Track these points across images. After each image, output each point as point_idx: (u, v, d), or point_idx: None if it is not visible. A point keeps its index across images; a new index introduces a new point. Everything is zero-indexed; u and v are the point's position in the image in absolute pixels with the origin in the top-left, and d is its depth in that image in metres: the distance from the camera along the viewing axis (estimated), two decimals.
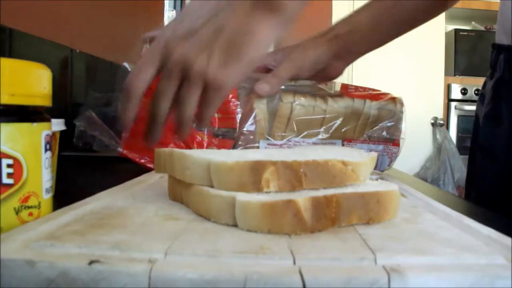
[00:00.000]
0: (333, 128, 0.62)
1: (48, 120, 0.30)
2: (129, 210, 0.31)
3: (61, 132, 0.45)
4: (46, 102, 0.29)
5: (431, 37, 2.45)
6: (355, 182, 0.31)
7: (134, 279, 0.19)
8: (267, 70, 0.60)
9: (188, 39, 0.36)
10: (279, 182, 0.28)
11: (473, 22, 2.82)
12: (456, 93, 2.58)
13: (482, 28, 2.79)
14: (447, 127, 2.57)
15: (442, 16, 2.40)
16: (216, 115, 0.61)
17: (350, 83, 0.69)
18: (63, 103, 0.78)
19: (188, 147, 0.60)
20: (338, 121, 0.62)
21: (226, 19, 0.36)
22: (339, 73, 0.64)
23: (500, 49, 0.63)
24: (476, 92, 2.52)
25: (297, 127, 0.61)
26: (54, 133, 0.47)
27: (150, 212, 0.31)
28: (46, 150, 0.29)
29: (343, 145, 0.63)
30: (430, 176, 2.50)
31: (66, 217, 0.28)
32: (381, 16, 0.61)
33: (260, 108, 0.60)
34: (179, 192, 0.34)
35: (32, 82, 0.28)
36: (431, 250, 0.23)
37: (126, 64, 0.62)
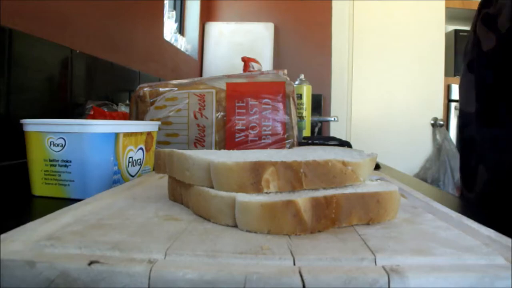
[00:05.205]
0: None
1: None
2: (129, 211, 0.31)
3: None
4: None
5: (431, 38, 2.45)
6: (355, 183, 0.31)
7: (134, 279, 0.19)
8: None
9: None
10: (279, 182, 0.28)
11: None
12: (456, 94, 2.58)
13: None
14: (447, 128, 2.57)
15: (442, 17, 2.40)
16: None
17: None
18: (63, 103, 0.78)
19: None
20: None
21: None
22: None
23: None
24: None
25: None
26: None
27: (150, 213, 0.31)
28: None
29: None
30: (430, 176, 2.49)
31: (66, 217, 0.28)
32: None
33: None
34: (179, 192, 0.34)
35: None
36: (431, 250, 0.23)
37: None
